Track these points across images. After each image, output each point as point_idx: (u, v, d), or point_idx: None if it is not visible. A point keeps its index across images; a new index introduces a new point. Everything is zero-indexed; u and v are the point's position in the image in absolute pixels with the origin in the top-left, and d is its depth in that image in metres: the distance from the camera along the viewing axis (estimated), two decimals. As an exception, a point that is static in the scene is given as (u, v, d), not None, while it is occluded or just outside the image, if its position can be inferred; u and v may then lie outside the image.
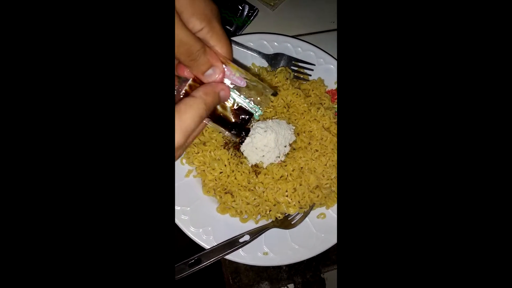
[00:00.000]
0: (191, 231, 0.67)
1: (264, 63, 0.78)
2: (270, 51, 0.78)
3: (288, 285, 0.76)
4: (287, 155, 0.72)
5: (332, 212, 0.72)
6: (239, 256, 0.66)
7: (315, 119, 0.73)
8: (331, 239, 0.69)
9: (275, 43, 0.77)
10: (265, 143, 0.68)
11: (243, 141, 0.69)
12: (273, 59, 0.77)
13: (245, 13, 0.84)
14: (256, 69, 0.78)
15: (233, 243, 0.66)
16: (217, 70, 0.40)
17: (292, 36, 0.81)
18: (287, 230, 0.70)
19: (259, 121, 0.72)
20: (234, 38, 0.76)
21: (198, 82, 0.41)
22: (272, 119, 0.73)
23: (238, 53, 0.76)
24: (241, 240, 0.67)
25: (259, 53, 0.77)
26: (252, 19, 0.84)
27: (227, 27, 0.82)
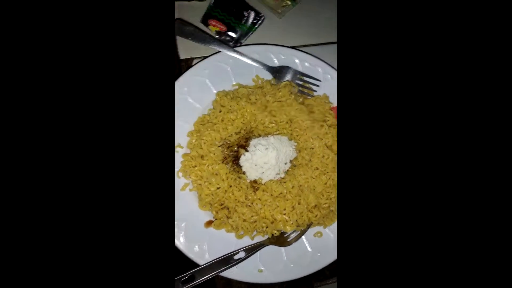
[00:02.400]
0: (185, 247, 0.67)
1: (268, 75, 0.76)
2: (275, 63, 0.76)
3: (281, 300, 0.76)
4: (287, 172, 0.71)
5: (329, 231, 0.71)
6: (233, 273, 0.66)
7: (318, 137, 0.71)
8: (327, 258, 0.69)
9: (282, 56, 0.75)
10: (266, 160, 0.67)
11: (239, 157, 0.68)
12: (278, 71, 0.75)
13: (250, 20, 0.81)
14: (260, 81, 0.76)
15: (228, 260, 0.66)
16: None
17: (298, 46, 0.79)
18: (282, 248, 0.69)
19: (261, 137, 0.70)
20: (238, 49, 0.74)
21: None
22: (273, 135, 0.71)
23: (242, 63, 0.74)
24: (236, 257, 0.66)
25: (264, 65, 0.74)
26: (257, 27, 0.82)
27: (231, 33, 0.80)
